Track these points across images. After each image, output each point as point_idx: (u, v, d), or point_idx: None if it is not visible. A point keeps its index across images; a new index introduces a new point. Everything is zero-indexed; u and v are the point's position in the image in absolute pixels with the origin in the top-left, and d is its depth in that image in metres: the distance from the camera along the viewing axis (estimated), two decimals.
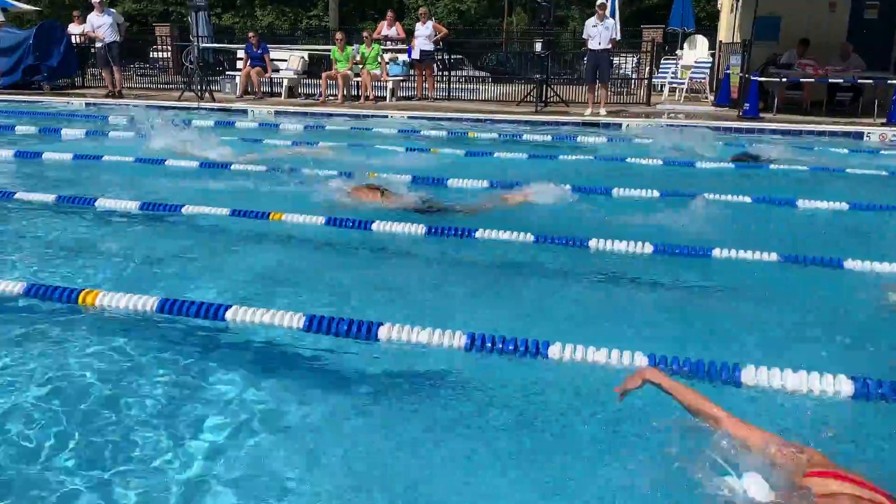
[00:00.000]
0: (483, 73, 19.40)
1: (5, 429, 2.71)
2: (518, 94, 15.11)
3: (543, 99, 13.78)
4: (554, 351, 3.24)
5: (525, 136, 10.85)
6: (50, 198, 6.11)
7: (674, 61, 17.02)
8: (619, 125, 11.96)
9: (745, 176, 8.04)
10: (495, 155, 9.24)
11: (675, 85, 15.89)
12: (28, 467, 2.50)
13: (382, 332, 3.45)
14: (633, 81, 16.39)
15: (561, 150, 9.52)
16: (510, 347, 3.30)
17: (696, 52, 17.08)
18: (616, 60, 17.21)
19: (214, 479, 2.46)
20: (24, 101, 14.25)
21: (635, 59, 17.36)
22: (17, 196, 6.17)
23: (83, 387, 3.06)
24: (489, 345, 3.31)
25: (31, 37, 15.69)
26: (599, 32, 12.47)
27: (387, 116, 12.82)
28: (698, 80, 15.95)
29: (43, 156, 8.28)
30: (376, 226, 5.38)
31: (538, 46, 15.18)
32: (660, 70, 16.69)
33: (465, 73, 18.17)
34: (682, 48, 17.71)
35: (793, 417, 2.89)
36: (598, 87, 12.97)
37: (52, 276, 4.39)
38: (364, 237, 5.32)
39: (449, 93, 15.86)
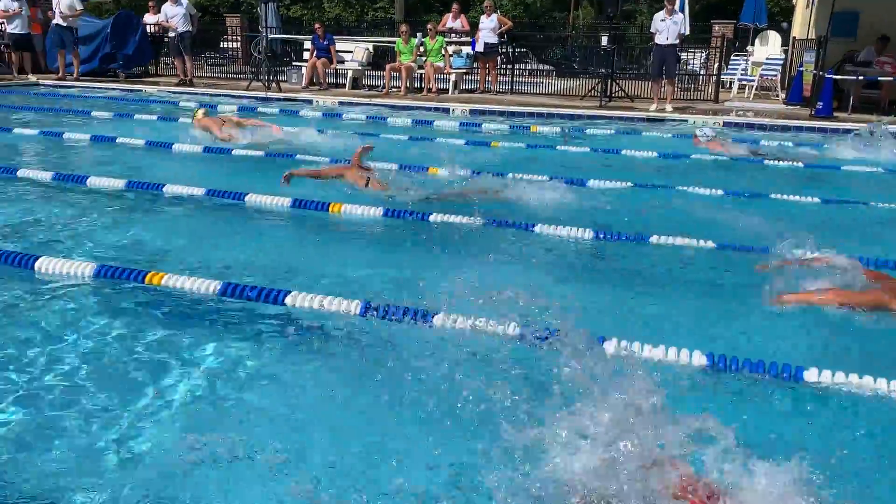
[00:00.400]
0: (547, 67, 19.23)
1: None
2: (582, 89, 14.95)
3: (608, 94, 13.59)
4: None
5: (588, 131, 10.73)
6: (120, 183, 6.34)
7: (744, 57, 16.56)
8: (685, 121, 11.72)
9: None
10: (558, 148, 9.17)
11: (744, 82, 15.47)
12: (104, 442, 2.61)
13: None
14: (700, 78, 16.02)
15: (623, 144, 9.37)
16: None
17: (767, 48, 16.58)
18: (684, 56, 16.84)
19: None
20: (100, 88, 14.78)
21: (704, 54, 16.96)
22: (89, 181, 6.41)
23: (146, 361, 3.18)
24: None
25: (109, 26, 16.26)
26: (667, 27, 12.27)
27: (449, 109, 12.83)
28: (769, 78, 15.47)
29: (116, 140, 8.58)
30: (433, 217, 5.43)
31: (604, 40, 14.96)
32: (729, 66, 16.26)
33: (528, 66, 18.05)
34: (753, 44, 17.21)
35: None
36: (664, 83, 12.75)
37: (121, 257, 4.54)
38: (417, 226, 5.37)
39: (512, 86, 15.79)
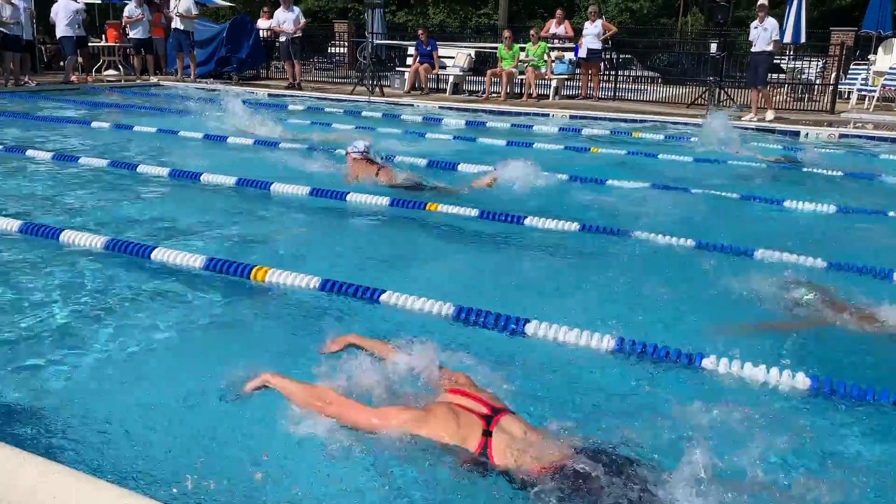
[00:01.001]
0: (652, 74, 18.83)
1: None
2: (688, 97, 14.55)
3: (716, 101, 13.17)
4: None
5: (693, 139, 10.42)
6: (231, 180, 6.63)
7: (865, 67, 15.66)
8: (797, 133, 11.21)
9: None
10: (659, 157, 8.95)
11: (864, 92, 14.64)
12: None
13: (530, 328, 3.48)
14: (816, 87, 15.27)
15: (727, 154, 9.04)
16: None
17: (891, 57, 15.61)
18: (798, 64, 16.11)
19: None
20: (214, 90, 15.51)
21: (821, 63, 16.16)
22: (203, 177, 6.74)
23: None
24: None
25: (225, 30, 17.05)
26: (758, 34, 12.05)
27: (548, 114, 12.76)
28: (892, 88, 14.58)
29: (227, 140, 8.99)
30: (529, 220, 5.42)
31: (713, 47, 14.54)
32: (848, 76, 15.43)
33: (633, 72, 17.72)
34: (875, 52, 16.26)
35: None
36: (758, 92, 12.44)
37: (229, 251, 4.75)
38: (511, 230, 5.37)
39: (615, 93, 15.54)
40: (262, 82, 17.31)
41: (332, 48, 21.25)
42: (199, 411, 2.74)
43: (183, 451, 2.49)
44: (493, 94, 14.98)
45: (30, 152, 7.72)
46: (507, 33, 15.42)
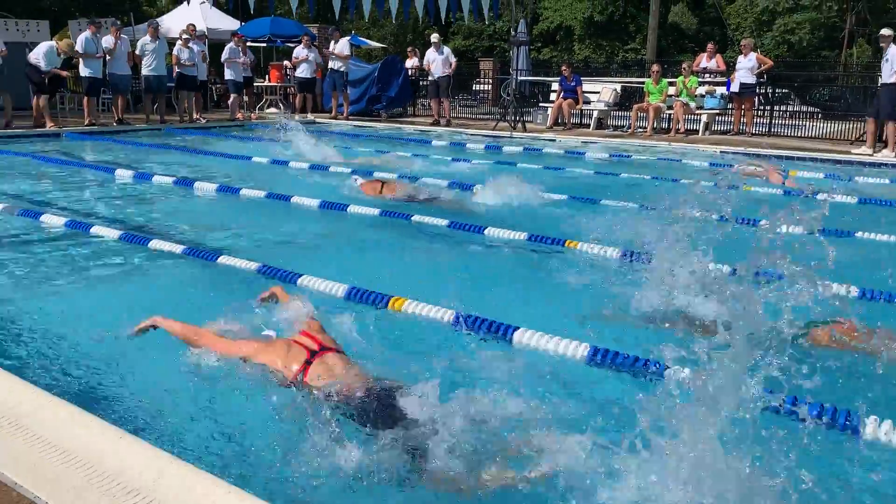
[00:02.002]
0: (812, 109, 17.74)
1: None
2: (853, 133, 13.57)
3: (883, 138, 12.18)
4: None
5: (859, 179, 9.67)
6: (375, 211, 6.84)
7: None
8: None
9: None
10: (819, 197, 8.33)
11: None
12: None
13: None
14: None
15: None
16: None
17: None
18: None
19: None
20: (365, 126, 16.21)
21: None
22: (349, 208, 7.00)
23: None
24: None
25: (377, 70, 17.83)
26: (885, 64, 11.32)
27: (698, 150, 12.30)
28: None
29: (373, 174, 9.32)
30: None
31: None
32: None
33: (790, 107, 16.77)
34: None
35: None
36: (888, 126, 11.52)
37: (368, 281, 4.87)
38: None
39: (770, 128, 14.76)
40: (409, 119, 17.89)
41: (477, 85, 21.66)
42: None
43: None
44: (640, 130, 14.65)
45: (197, 184, 8.36)
46: (655, 67, 15.08)
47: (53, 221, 6.28)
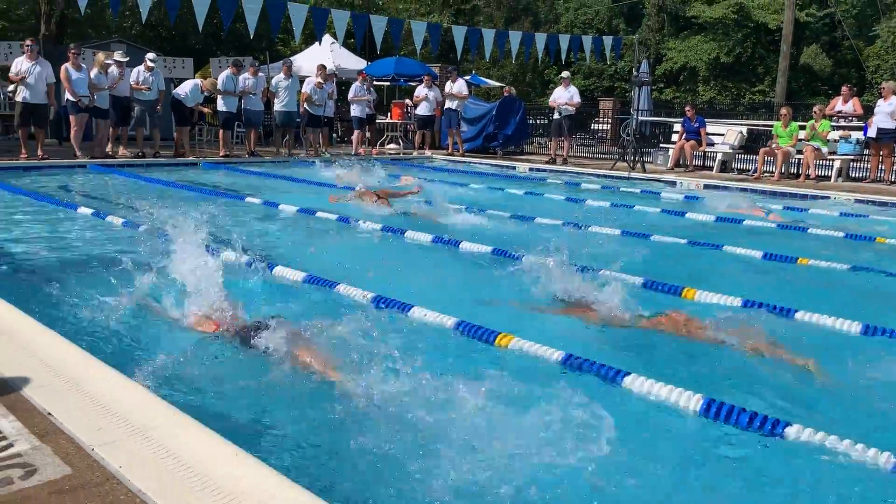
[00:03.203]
0: None
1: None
2: None
3: None
4: None
5: None
6: (487, 248, 6.89)
7: None
8: None
9: None
10: None
11: None
12: None
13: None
14: None
15: None
16: None
17: None
18: None
19: None
20: (480, 163, 16.41)
21: None
22: (462, 245, 7.08)
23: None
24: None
25: (495, 109, 18.08)
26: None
27: (829, 197, 11.67)
28: None
29: (486, 211, 9.39)
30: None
31: None
32: None
33: None
34: None
35: None
36: None
37: (475, 316, 4.90)
38: None
39: None
40: (525, 157, 17.97)
41: (595, 125, 21.53)
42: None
43: None
44: (766, 174, 14.07)
45: (319, 213, 8.72)
46: (784, 110, 14.49)
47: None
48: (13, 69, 12.58)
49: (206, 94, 14.81)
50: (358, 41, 19.47)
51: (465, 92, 17.52)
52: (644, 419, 3.45)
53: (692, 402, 3.44)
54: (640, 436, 3.25)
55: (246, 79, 15.00)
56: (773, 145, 14.11)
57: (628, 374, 3.72)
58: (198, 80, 14.89)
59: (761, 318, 4.68)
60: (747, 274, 6.54)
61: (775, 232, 8.75)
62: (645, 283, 5.76)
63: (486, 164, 16.37)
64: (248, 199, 9.98)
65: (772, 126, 14.68)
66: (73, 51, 13.10)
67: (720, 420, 3.32)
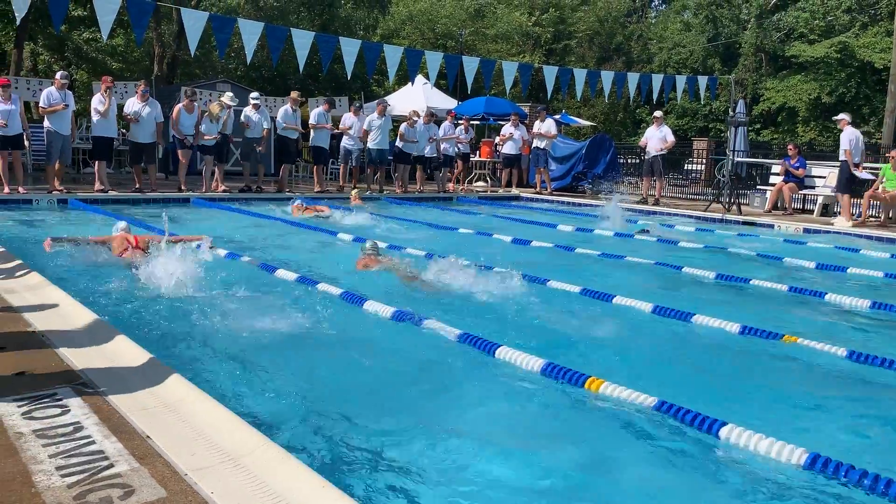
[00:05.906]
0: None
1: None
2: None
3: None
4: None
5: None
6: (576, 288, 6.79)
7: None
8: None
9: None
10: None
11: None
12: None
13: None
14: None
15: None
16: None
17: None
18: None
19: None
20: (568, 203, 16.28)
21: None
22: (550, 282, 7.01)
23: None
24: None
25: (585, 147, 17.99)
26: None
27: None
28: None
29: (574, 250, 9.28)
30: None
31: None
32: None
33: None
34: None
35: None
36: None
37: (563, 358, 4.81)
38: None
39: None
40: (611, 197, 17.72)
41: (689, 165, 21.08)
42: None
43: None
44: (871, 219, 13.38)
45: (408, 249, 8.82)
46: (894, 153, 13.80)
47: (285, 276, 6.88)
48: (126, 109, 13.39)
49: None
50: (450, 81, 19.80)
51: (554, 131, 17.52)
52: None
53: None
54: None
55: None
56: (880, 188, 13.42)
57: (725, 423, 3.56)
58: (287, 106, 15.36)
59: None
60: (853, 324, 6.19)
61: (882, 281, 8.27)
62: (742, 328, 5.52)
63: (572, 202, 16.24)
64: (341, 234, 10.17)
65: (879, 169, 13.99)
66: (188, 94, 13.80)
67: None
